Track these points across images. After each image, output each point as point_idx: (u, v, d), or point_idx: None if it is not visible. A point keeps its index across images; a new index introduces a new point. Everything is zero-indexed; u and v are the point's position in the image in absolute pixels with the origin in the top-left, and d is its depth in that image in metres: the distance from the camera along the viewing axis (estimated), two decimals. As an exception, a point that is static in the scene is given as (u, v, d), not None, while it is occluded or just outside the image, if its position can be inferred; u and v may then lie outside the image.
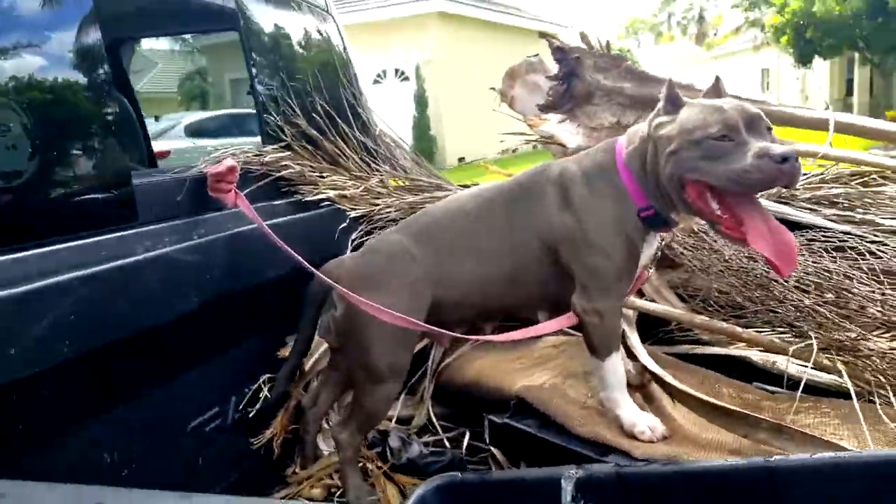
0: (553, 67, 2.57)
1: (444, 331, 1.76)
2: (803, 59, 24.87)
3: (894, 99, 24.02)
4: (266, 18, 2.34)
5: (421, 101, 16.84)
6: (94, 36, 1.57)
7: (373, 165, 2.72)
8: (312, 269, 1.77)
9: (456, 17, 17.31)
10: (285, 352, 2.07)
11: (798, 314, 1.84)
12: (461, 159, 14.92)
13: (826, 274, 1.83)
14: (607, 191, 1.66)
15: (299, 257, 1.77)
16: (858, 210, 2.22)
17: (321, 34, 2.72)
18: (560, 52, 2.44)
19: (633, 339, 2.06)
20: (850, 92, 28.37)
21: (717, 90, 1.70)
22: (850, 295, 1.74)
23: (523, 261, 1.74)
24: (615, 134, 2.45)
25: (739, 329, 1.95)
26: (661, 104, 1.61)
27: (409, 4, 16.27)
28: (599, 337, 1.70)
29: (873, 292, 1.73)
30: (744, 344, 2.02)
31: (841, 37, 22.89)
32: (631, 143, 1.66)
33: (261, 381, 1.99)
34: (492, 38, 18.83)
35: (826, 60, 26.03)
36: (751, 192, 1.50)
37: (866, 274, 1.79)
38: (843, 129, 2.20)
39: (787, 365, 1.76)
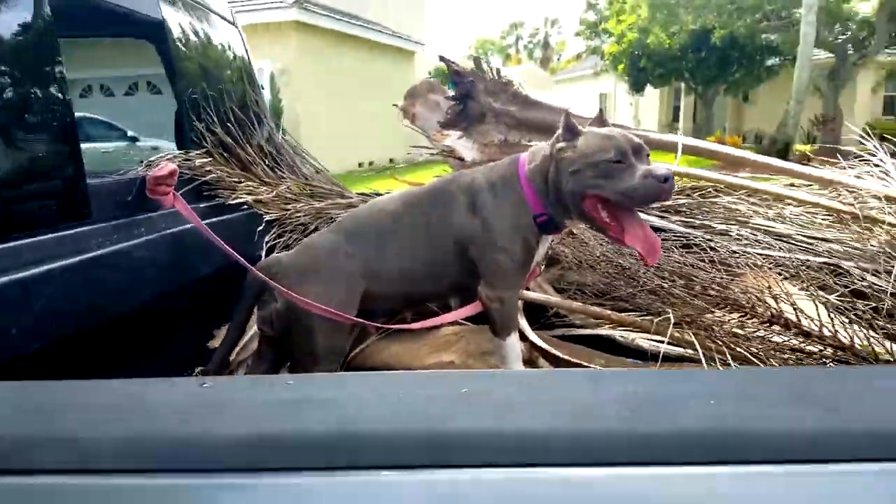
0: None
1: (369, 322, 2.04)
2: (637, 87, 27.02)
3: (714, 125, 26.60)
4: (185, 30, 2.48)
5: (276, 111, 16.70)
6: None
7: (278, 172, 2.92)
8: (249, 265, 1.96)
9: (313, 28, 17.24)
10: (215, 343, 2.23)
11: (655, 297, 2.27)
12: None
13: (677, 264, 2.28)
14: (510, 199, 1.97)
15: (237, 255, 1.94)
16: (698, 216, 2.71)
17: (230, 46, 2.88)
18: (457, 76, 2.77)
19: (523, 323, 2.41)
20: (676, 118, 31.09)
21: (600, 120, 2.03)
22: (695, 280, 2.19)
23: (439, 256, 2.02)
24: (504, 150, 2.84)
25: (608, 311, 2.35)
26: (560, 131, 1.88)
27: (264, 12, 16.05)
28: (501, 320, 2.02)
29: (712, 278, 2.18)
30: (610, 325, 2.42)
31: (669, 68, 25.11)
32: (533, 160, 1.97)
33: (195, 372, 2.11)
34: (351, 51, 18.95)
35: (656, 89, 28.40)
36: (637, 205, 1.84)
37: (706, 264, 2.24)
38: (687, 150, 2.70)
39: (636, 339, 2.18)
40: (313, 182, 3.04)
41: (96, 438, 0.67)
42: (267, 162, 2.78)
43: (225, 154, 2.57)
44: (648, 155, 1.84)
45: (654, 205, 2.82)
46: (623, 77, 27.35)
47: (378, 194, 2.93)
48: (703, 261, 2.26)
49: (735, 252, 2.29)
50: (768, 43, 22.73)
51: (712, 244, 2.32)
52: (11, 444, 0.66)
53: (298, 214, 2.70)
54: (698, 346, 1.99)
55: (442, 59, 2.88)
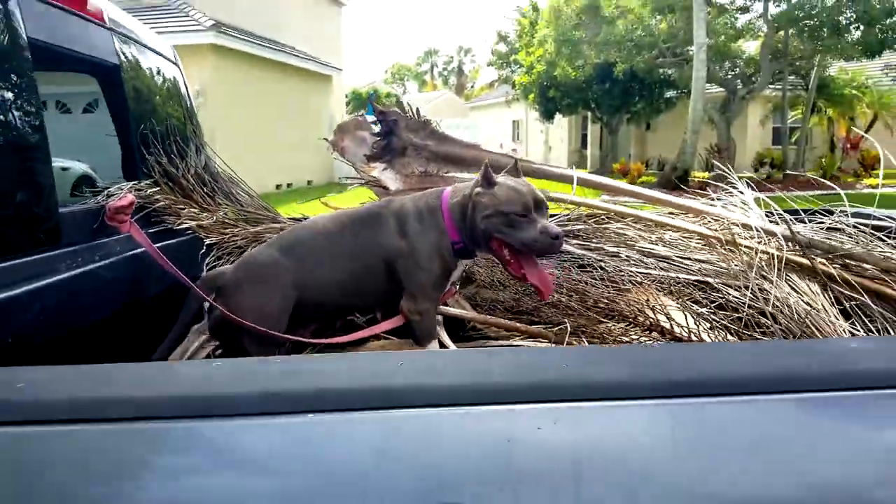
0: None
1: (294, 338, 2.21)
2: (547, 115, 28.06)
3: (619, 152, 27.91)
4: (134, 70, 2.70)
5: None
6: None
7: (217, 199, 3.14)
8: (191, 283, 2.20)
9: (230, 51, 17.23)
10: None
11: (556, 310, 2.63)
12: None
13: (573, 282, 2.65)
14: (433, 226, 2.25)
15: (181, 274, 2.19)
16: (592, 240, 3.10)
17: (174, 83, 3.11)
18: (382, 115, 3.09)
19: (443, 335, 2.73)
20: (584, 145, 32.40)
21: (515, 170, 2.32)
22: (588, 295, 2.56)
23: (367, 272, 2.28)
24: (423, 180, 3.16)
25: (517, 324, 2.69)
26: (479, 178, 2.15)
27: (181, 34, 15.97)
28: (421, 331, 2.32)
29: (602, 293, 2.56)
30: (520, 336, 2.77)
31: (576, 98, 26.23)
32: (455, 196, 2.24)
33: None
34: (269, 74, 18.97)
35: (565, 117, 29.57)
36: (534, 255, 2.14)
37: (598, 281, 2.62)
38: (581, 182, 3.10)
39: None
40: (248, 208, 3.27)
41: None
42: (206, 189, 3.00)
43: (169, 183, 2.79)
44: (548, 209, 2.18)
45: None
46: (533, 105, 28.36)
47: (305, 217, 3.20)
48: (595, 279, 2.64)
49: (621, 271, 2.68)
50: (666, 77, 24.16)
51: (603, 264, 2.70)
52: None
53: (235, 238, 2.93)
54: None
55: (370, 101, 3.18)
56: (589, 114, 29.12)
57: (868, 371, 0.87)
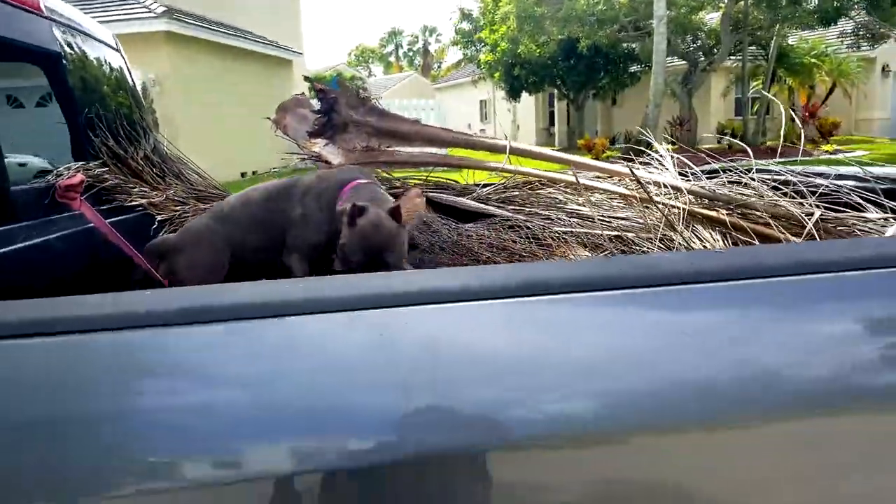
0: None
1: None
2: (513, 94, 28.17)
3: (586, 128, 28.17)
4: (77, 58, 2.83)
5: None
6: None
7: (167, 179, 3.30)
8: (140, 257, 2.42)
9: (186, 38, 17.05)
10: None
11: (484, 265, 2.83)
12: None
13: (502, 241, 2.86)
14: (324, 207, 2.51)
15: (131, 247, 2.39)
16: (526, 206, 3.30)
17: (117, 69, 3.24)
18: (322, 93, 3.25)
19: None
20: (552, 122, 32.65)
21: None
22: (514, 252, 2.77)
23: (275, 233, 2.58)
24: (366, 155, 3.34)
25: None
26: (346, 209, 2.23)
27: (134, 22, 15.79)
28: None
29: (524, 248, 2.77)
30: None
31: (541, 75, 26.37)
32: (349, 198, 2.36)
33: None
34: (226, 61, 18.80)
35: (531, 95, 29.73)
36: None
37: (524, 240, 2.83)
38: (515, 152, 3.30)
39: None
40: (197, 187, 3.43)
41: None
42: (155, 170, 3.15)
43: (118, 164, 2.93)
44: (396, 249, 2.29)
45: (493, 195, 3.39)
46: (499, 84, 28.47)
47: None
48: (521, 237, 2.85)
49: (545, 230, 2.89)
50: (630, 51, 24.42)
51: (528, 224, 2.91)
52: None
53: (186, 214, 3.09)
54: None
55: (307, 79, 3.34)
56: (555, 91, 29.29)
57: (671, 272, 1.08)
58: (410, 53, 67.28)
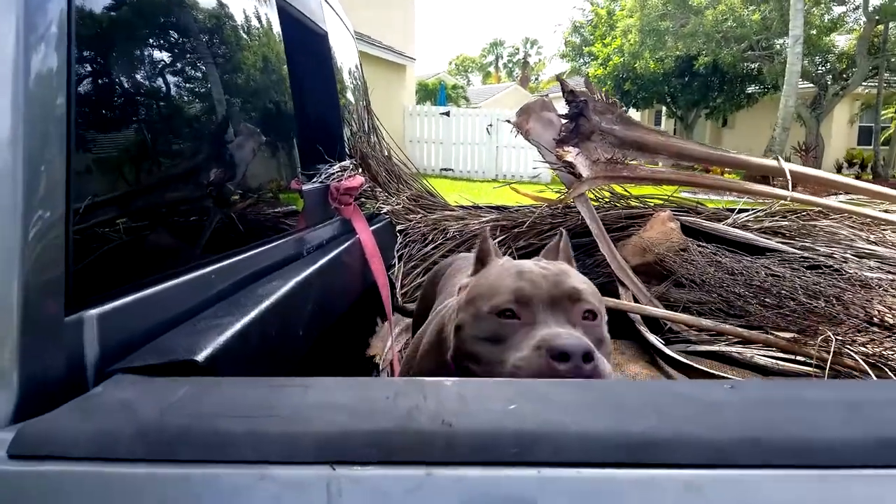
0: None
1: None
2: (621, 109, 27.38)
3: (694, 149, 26.99)
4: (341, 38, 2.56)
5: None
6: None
7: (396, 184, 3.00)
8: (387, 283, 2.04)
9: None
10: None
11: (781, 312, 2.39)
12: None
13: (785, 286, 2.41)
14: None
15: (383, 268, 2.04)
16: (796, 237, 2.85)
17: (352, 56, 2.96)
18: (571, 95, 2.89)
19: (652, 338, 2.52)
20: (657, 141, 31.58)
21: (559, 249, 1.48)
22: (822, 296, 2.32)
23: None
24: (610, 168, 2.95)
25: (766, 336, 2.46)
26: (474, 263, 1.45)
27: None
28: None
29: (841, 294, 2.31)
30: (726, 341, 2.54)
31: (652, 91, 25.56)
32: None
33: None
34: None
35: (639, 111, 28.88)
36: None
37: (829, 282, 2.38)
38: (796, 176, 2.83)
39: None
40: (418, 193, 3.12)
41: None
42: (388, 174, 2.86)
43: (361, 165, 2.65)
44: (595, 313, 1.24)
45: (753, 223, 2.94)
46: (607, 99, 27.70)
47: (476, 206, 3.02)
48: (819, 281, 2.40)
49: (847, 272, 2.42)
50: (749, 71, 23.31)
51: (831, 263, 2.45)
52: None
53: (419, 226, 2.78)
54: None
55: (558, 77, 2.99)
56: (664, 108, 28.38)
57: None
58: (510, 65, 66.94)
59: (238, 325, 1.06)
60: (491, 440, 0.67)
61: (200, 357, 0.90)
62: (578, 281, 1.26)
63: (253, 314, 1.13)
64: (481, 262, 1.40)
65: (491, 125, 18.72)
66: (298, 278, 1.45)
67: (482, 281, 1.29)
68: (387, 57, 21.47)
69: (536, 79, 62.46)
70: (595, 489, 0.65)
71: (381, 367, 2.17)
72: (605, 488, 0.65)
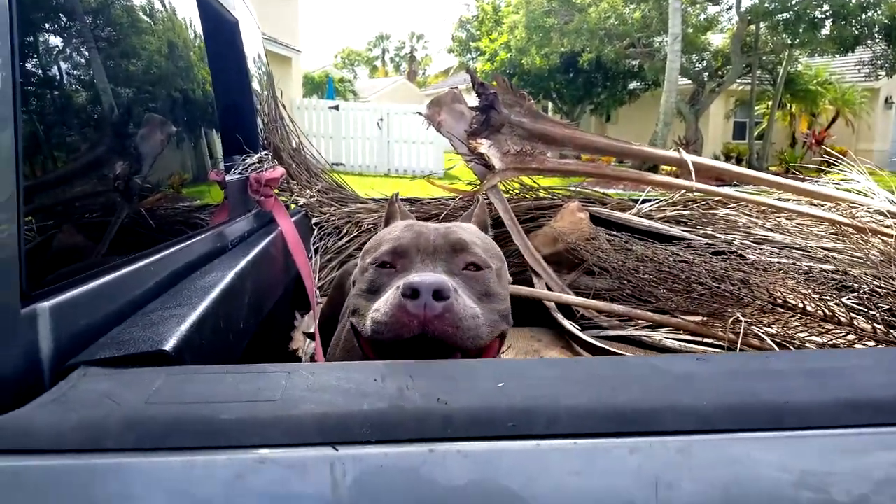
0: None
1: None
2: (509, 104, 27.85)
3: (579, 143, 27.88)
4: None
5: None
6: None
7: (307, 176, 2.89)
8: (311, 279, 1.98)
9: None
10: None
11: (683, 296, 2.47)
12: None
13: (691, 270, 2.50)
14: None
15: (308, 265, 1.99)
16: (697, 226, 2.97)
17: (257, 45, 2.84)
18: (482, 88, 2.88)
19: (566, 323, 2.54)
20: (544, 135, 32.39)
21: (474, 214, 1.52)
22: (726, 281, 2.43)
23: None
24: (519, 160, 2.96)
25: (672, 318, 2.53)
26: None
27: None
28: None
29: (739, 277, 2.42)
30: (636, 326, 2.62)
31: (539, 87, 26.15)
32: None
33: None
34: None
35: (527, 106, 29.48)
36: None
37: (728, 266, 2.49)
38: (695, 166, 2.95)
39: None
40: (328, 186, 3.04)
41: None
42: (299, 166, 2.77)
43: (275, 156, 2.54)
44: (463, 252, 1.21)
45: (656, 212, 3.04)
46: (495, 94, 28.11)
47: (386, 198, 2.98)
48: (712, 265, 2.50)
49: (746, 257, 2.54)
50: (631, 68, 24.32)
51: (740, 251, 2.56)
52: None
53: (333, 218, 2.70)
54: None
55: (466, 70, 2.98)
56: (550, 104, 29.14)
57: None
58: (397, 59, 66.84)
59: (194, 316, 1.04)
60: (486, 415, 0.69)
61: (169, 347, 0.90)
62: (468, 234, 1.25)
63: (205, 304, 1.13)
64: (387, 224, 1.43)
65: (382, 119, 18.56)
66: (237, 269, 1.42)
67: (374, 238, 1.32)
68: (272, 49, 20.91)
69: (424, 73, 62.68)
70: (593, 457, 0.68)
71: (303, 361, 2.10)
72: (602, 456, 0.69)
